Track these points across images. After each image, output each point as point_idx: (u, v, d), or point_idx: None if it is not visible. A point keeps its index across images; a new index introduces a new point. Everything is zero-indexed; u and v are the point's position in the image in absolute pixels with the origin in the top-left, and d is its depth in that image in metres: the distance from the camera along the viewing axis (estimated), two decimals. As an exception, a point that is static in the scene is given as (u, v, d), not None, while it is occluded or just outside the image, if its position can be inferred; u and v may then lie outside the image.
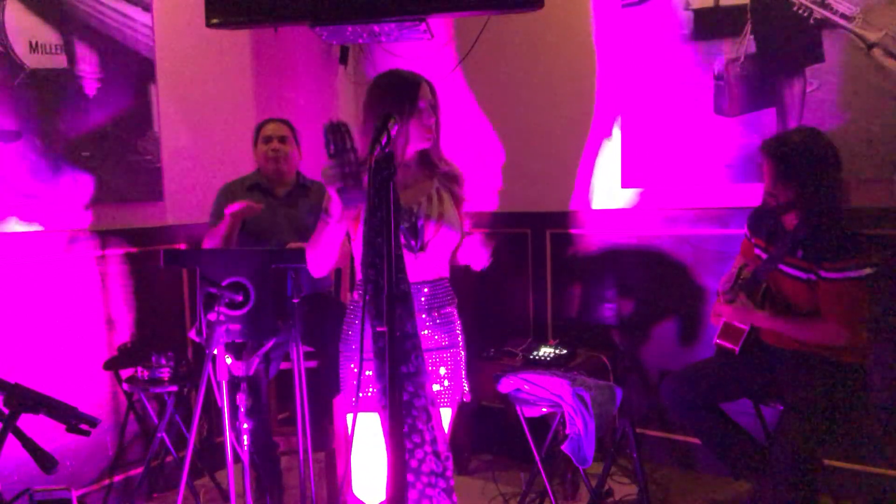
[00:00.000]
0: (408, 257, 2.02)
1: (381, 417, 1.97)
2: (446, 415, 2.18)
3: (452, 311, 2.21)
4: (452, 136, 3.99)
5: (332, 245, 2.07)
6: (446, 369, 2.18)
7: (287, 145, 3.24)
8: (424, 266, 2.09)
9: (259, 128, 3.29)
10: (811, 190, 2.44)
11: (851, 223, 2.46)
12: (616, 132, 3.53)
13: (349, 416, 2.18)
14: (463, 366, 2.22)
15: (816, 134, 2.50)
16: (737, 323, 2.68)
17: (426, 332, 2.10)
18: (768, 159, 2.50)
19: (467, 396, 2.24)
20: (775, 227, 2.61)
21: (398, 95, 2.06)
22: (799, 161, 2.44)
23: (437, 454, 1.94)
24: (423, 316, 2.09)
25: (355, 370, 2.16)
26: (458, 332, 2.22)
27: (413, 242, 2.04)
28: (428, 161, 2.15)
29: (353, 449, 2.13)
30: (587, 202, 3.65)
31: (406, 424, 1.88)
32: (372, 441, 2.10)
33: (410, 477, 1.93)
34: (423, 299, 2.10)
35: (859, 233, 2.45)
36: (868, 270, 2.39)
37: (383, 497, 2.16)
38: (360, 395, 2.17)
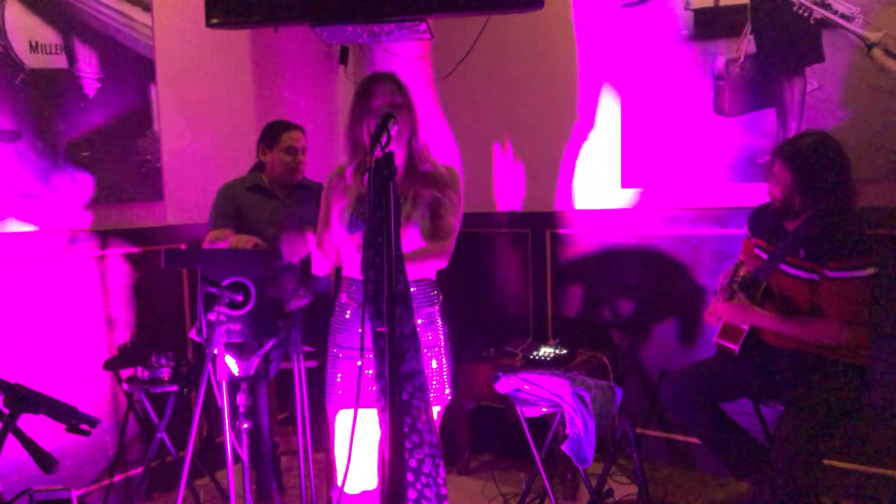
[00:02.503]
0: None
1: (380, 418, 1.97)
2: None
3: (434, 311, 2.21)
4: (451, 136, 4.01)
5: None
6: (429, 370, 2.18)
7: (306, 156, 3.24)
8: None
9: (278, 132, 3.19)
10: (825, 195, 2.43)
11: (854, 223, 2.46)
12: (616, 132, 3.53)
13: (340, 414, 2.19)
14: (446, 367, 2.22)
15: (828, 138, 2.46)
16: (736, 322, 2.68)
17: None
18: (785, 168, 2.45)
19: (448, 398, 2.24)
20: (776, 227, 2.61)
21: (356, 96, 2.08)
22: (817, 170, 2.40)
23: (433, 457, 1.95)
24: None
25: (339, 376, 2.17)
26: (440, 332, 2.22)
27: None
28: (412, 162, 2.14)
29: (342, 445, 2.15)
30: (587, 202, 3.65)
31: (406, 424, 1.89)
32: (359, 436, 2.12)
33: (410, 476, 1.94)
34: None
35: (862, 232, 2.44)
36: (871, 270, 2.39)
37: (367, 487, 2.18)
38: (342, 392, 2.18)
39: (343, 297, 2.22)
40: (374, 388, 2.07)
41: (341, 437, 2.19)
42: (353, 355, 2.13)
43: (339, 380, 2.20)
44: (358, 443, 2.13)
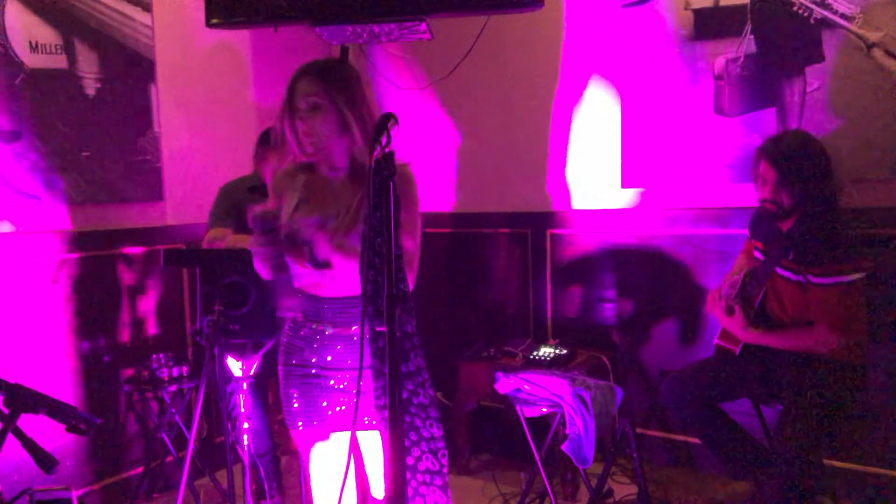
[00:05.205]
0: (316, 273, 1.90)
1: (379, 417, 1.96)
2: (371, 438, 2.09)
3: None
4: (451, 136, 4.01)
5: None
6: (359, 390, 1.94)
7: None
8: (338, 282, 1.94)
9: (268, 138, 3.12)
10: (812, 190, 2.44)
11: (850, 224, 2.46)
12: (616, 132, 3.53)
13: (316, 448, 2.12)
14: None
15: (809, 136, 2.53)
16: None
17: (339, 347, 1.97)
18: (769, 165, 2.48)
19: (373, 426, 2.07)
20: (772, 230, 2.61)
21: (286, 93, 1.96)
22: (801, 162, 2.44)
23: (433, 452, 1.94)
24: (329, 332, 1.97)
25: (295, 399, 2.03)
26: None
27: (315, 258, 1.87)
28: (358, 166, 1.96)
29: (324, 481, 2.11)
30: (587, 202, 3.65)
31: (405, 422, 1.89)
32: (334, 463, 2.07)
33: (406, 474, 1.93)
34: (330, 315, 1.96)
35: (851, 237, 2.44)
36: (856, 276, 2.38)
37: None
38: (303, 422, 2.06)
39: (300, 317, 2.04)
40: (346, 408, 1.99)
41: (320, 472, 2.09)
42: (326, 374, 1.98)
43: (296, 406, 2.03)
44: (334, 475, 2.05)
